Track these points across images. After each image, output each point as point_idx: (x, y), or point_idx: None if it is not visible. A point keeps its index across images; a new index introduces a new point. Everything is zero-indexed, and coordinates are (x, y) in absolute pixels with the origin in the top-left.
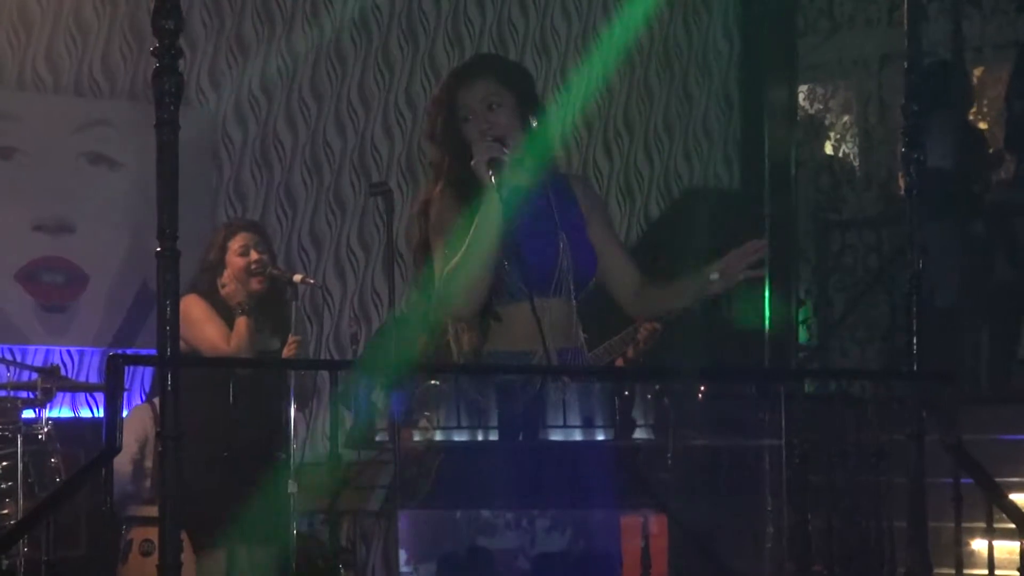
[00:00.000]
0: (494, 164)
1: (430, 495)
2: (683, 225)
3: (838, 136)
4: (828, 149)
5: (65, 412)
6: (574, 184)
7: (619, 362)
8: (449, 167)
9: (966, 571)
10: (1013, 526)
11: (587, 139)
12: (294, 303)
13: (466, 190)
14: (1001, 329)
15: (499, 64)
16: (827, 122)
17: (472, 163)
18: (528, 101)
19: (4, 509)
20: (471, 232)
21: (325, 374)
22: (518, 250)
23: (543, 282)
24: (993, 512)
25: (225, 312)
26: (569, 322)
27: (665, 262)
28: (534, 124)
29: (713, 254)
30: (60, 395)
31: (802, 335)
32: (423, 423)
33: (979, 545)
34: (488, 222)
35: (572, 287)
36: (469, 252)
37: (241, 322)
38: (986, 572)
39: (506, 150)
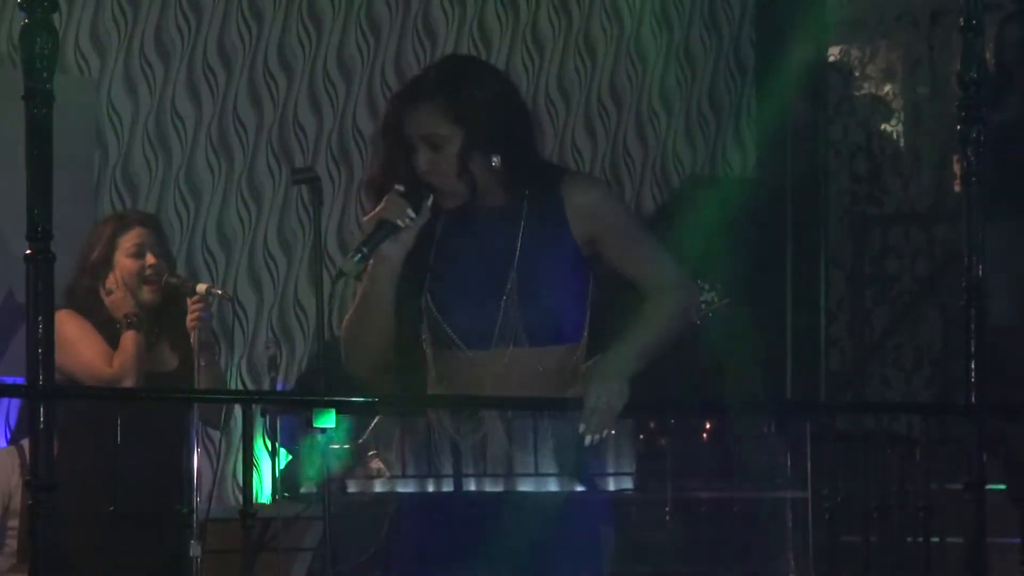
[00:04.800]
0: (388, 227)
1: (371, 561)
2: (684, 222)
3: (879, 110)
4: (866, 126)
5: None
6: (566, 193)
7: None
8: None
9: None
10: None
11: (564, 113)
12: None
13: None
14: None
15: (451, 86)
16: (865, 92)
17: (364, 219)
18: (484, 137)
19: None
20: (362, 291)
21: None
22: (439, 304)
23: (479, 334)
24: None
25: (108, 326)
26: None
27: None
28: (495, 162)
29: (721, 258)
30: None
31: (833, 360)
32: (374, 465)
33: None
34: (382, 289)
35: (528, 335)
36: (362, 313)
37: (128, 337)
38: None
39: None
